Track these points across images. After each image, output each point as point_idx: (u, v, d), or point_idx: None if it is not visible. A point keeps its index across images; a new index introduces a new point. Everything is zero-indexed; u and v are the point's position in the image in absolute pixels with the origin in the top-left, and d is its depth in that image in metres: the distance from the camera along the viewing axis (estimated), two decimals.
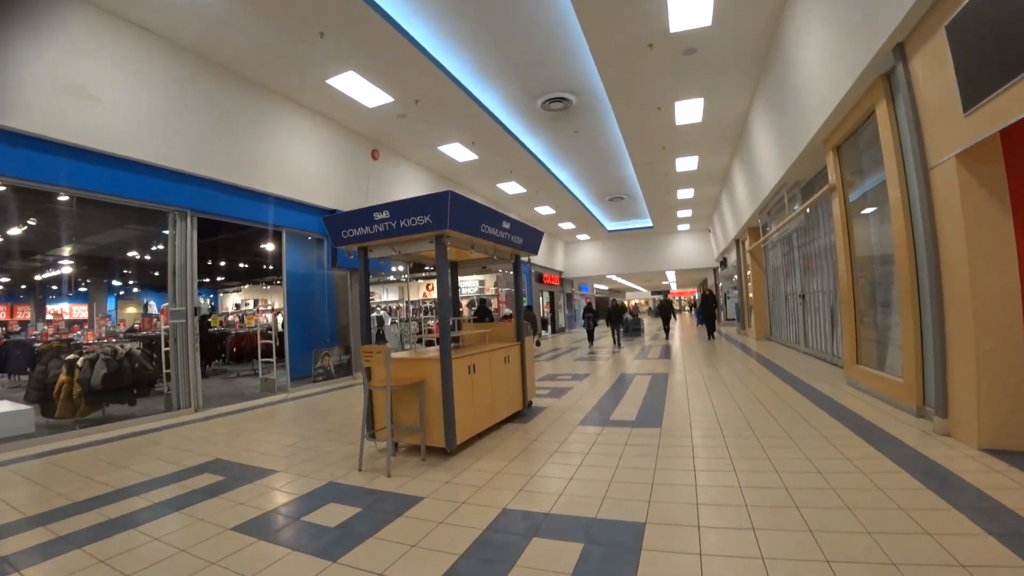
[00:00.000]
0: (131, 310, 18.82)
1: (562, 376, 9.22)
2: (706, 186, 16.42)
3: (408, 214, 4.14)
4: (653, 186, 15.85)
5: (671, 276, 33.76)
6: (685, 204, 19.08)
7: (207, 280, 19.02)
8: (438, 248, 4.23)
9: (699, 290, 49.15)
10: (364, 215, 4.36)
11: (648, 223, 22.30)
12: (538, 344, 17.26)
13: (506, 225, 5.10)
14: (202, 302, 16.04)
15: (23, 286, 17.77)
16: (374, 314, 14.72)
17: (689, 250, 25.24)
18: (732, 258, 19.64)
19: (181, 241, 7.15)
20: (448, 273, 4.31)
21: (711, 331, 16.77)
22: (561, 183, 14.74)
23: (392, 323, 14.61)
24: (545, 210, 18.20)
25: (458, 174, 13.56)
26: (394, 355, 4.67)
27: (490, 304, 16.85)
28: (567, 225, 21.73)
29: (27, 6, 5.35)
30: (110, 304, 17.92)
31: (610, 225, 22.77)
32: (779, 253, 12.95)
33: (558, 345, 17.32)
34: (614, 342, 15.21)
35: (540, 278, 23.45)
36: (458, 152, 11.71)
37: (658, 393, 6.91)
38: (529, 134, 11.17)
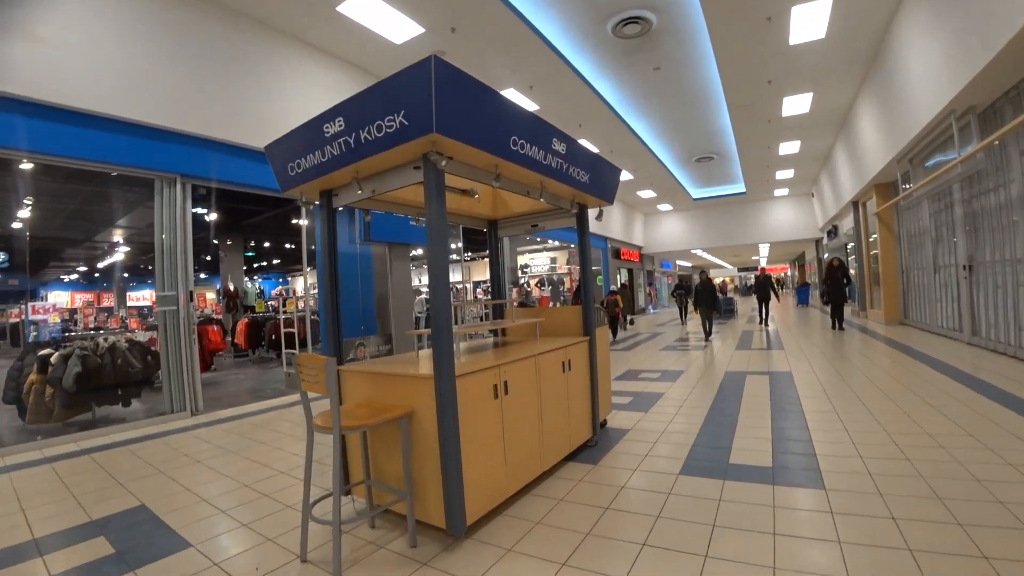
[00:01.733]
0: (209, 296, 18.84)
1: (647, 374, 7.14)
2: (817, 136, 13.39)
3: (372, 116, 2.30)
4: (751, 139, 13.09)
5: (763, 250, 29.86)
6: (787, 163, 16.00)
7: (264, 264, 18.56)
8: (427, 172, 2.39)
9: (792, 267, 44.13)
10: (313, 131, 2.59)
11: (740, 188, 19.21)
12: (631, 324, 16.66)
13: (559, 147, 3.07)
14: (250, 287, 15.37)
15: (96, 274, 18.15)
16: (420, 296, 13.31)
17: (787, 219, 21.88)
18: (846, 225, 16.43)
19: (169, 213, 5.88)
20: (443, 216, 2.39)
21: (838, 319, 11.40)
22: (640, 139, 12.39)
23: None
24: (622, 175, 15.81)
25: None
26: (355, 367, 2.90)
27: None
28: (647, 193, 19.14)
29: None
30: None
31: (696, 192, 19.85)
32: (923, 213, 10.01)
33: (639, 329, 15.10)
34: (705, 333, 11.41)
35: (617, 253, 21.17)
36: (515, 101, 9.77)
37: (790, 409, 4.72)
38: (599, 74, 9.04)
